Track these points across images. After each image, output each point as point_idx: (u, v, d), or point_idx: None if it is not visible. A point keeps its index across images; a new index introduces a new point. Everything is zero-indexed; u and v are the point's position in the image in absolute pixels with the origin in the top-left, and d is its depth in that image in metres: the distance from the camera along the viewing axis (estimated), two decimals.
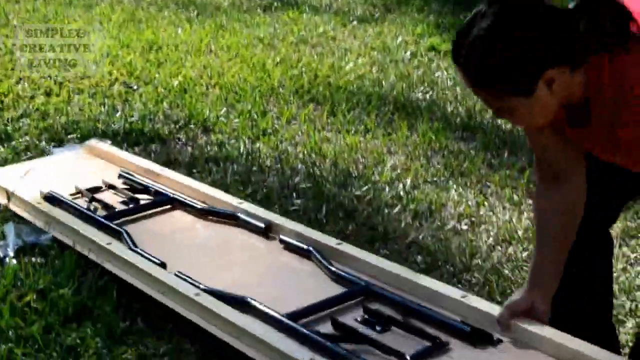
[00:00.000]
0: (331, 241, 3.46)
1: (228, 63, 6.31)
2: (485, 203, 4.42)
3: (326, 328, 2.93)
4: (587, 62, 2.27)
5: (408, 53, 6.82)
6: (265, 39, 6.98)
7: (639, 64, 2.26)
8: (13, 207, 4.02)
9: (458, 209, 4.35)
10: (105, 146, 4.59)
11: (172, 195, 3.99)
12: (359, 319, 2.99)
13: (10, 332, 3.13)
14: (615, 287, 3.57)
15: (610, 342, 2.99)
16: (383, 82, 6.10)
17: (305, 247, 3.45)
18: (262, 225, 3.63)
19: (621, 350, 3.09)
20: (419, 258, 3.87)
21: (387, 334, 2.91)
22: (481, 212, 4.32)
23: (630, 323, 3.41)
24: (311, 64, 6.41)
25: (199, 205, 3.89)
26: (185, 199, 3.95)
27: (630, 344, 3.18)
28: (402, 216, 4.25)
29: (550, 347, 2.75)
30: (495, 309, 2.90)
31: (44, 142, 4.83)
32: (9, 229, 3.82)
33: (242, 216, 3.72)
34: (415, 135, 5.22)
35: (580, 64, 2.27)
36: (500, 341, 2.82)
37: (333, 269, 3.28)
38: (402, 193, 4.47)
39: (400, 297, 3.07)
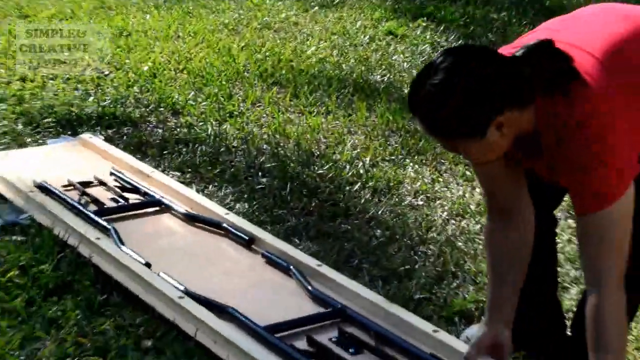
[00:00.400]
0: (311, 262, 3.44)
1: (195, 48, 6.31)
2: (440, 180, 4.50)
3: (301, 344, 2.95)
4: (534, 101, 2.33)
5: (367, 37, 6.82)
6: (230, 24, 6.96)
7: (575, 104, 2.32)
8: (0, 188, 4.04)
9: (414, 185, 4.43)
10: (98, 141, 4.57)
11: (160, 198, 3.96)
12: (333, 339, 2.99)
13: None
14: (562, 257, 3.66)
15: (555, 316, 3.10)
16: (343, 66, 6.12)
17: (285, 264, 3.44)
18: (245, 237, 3.62)
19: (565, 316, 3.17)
20: (378, 232, 3.94)
21: (359, 356, 2.92)
22: (436, 188, 4.39)
23: (574, 290, 3.50)
24: (274, 48, 6.41)
25: (186, 210, 3.88)
26: (173, 203, 3.92)
27: (574, 309, 3.20)
28: (362, 193, 4.31)
29: None
30: (463, 347, 2.85)
31: (20, 126, 4.83)
32: None
33: (227, 226, 3.71)
34: (374, 116, 5.27)
35: (527, 105, 2.32)
36: None
37: (311, 288, 3.27)
38: (361, 171, 4.53)
39: (375, 324, 3.05)
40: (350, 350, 2.94)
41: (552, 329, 3.06)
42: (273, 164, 4.55)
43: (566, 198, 3.03)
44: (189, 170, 4.44)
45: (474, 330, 3.14)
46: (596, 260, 2.44)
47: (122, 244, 3.52)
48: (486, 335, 2.67)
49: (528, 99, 2.33)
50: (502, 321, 2.66)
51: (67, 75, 5.64)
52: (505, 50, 2.48)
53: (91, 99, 5.28)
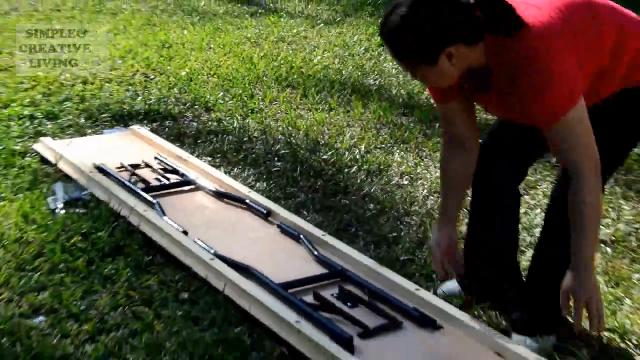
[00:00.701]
0: (317, 231, 3.42)
1: (223, 57, 6.30)
2: (421, 163, 4.47)
3: (309, 299, 2.95)
4: (481, 40, 2.39)
5: (362, 48, 6.81)
6: (252, 38, 6.96)
7: (519, 47, 2.37)
8: (66, 169, 4.02)
9: (400, 168, 4.40)
10: (145, 132, 4.56)
11: (195, 178, 3.95)
12: (334, 295, 2.99)
13: (61, 265, 3.19)
14: (520, 226, 3.65)
15: (514, 274, 3.09)
16: (343, 71, 6.11)
17: (296, 233, 3.43)
18: (264, 211, 3.61)
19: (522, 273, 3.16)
20: (371, 206, 3.92)
21: (355, 309, 2.91)
22: (418, 171, 4.37)
23: (529, 253, 3.47)
24: (288, 57, 6.40)
25: (216, 188, 3.86)
26: (205, 183, 3.91)
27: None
28: (358, 174, 4.29)
29: (477, 335, 2.76)
30: (440, 302, 2.91)
31: (82, 120, 4.83)
32: (58, 187, 3.85)
33: (249, 202, 3.69)
34: (368, 112, 5.24)
35: (475, 42, 2.38)
36: (441, 327, 2.82)
37: (316, 253, 3.27)
38: (358, 156, 4.51)
39: (368, 282, 3.05)
40: (349, 304, 2.94)
41: (511, 284, 3.05)
42: (286, 151, 4.53)
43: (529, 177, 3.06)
44: (218, 155, 4.43)
45: (448, 286, 3.15)
46: (570, 157, 2.46)
47: (164, 215, 3.52)
48: (443, 235, 2.81)
49: (476, 37, 2.39)
50: (452, 223, 2.83)
51: (120, 79, 5.61)
52: None
53: (139, 98, 5.28)
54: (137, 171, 4.05)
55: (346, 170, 4.33)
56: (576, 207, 2.47)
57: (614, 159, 2.75)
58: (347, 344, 2.64)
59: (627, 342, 2.93)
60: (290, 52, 6.58)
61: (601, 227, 3.78)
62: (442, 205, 2.88)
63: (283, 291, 2.95)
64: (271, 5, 8.31)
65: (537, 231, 3.71)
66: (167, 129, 4.82)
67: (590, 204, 2.45)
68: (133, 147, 4.40)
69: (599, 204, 2.48)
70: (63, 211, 3.62)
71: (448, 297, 3.10)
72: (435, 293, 3.09)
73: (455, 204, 2.84)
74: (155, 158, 4.21)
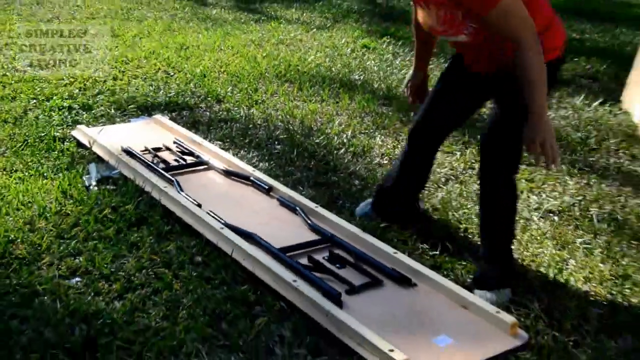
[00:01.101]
0: (310, 204, 3.40)
1: (232, 57, 6.23)
2: (399, 146, 4.40)
3: (304, 261, 2.94)
4: None
5: (349, 49, 6.74)
6: (256, 41, 6.89)
7: None
8: (98, 152, 3.97)
9: (381, 150, 4.35)
10: (166, 120, 4.50)
11: (208, 159, 3.91)
12: (325, 258, 2.98)
13: (94, 234, 3.16)
14: None
15: (412, 209, 3.39)
16: (332, 69, 6.05)
17: (293, 205, 3.41)
18: (266, 187, 3.58)
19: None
20: (356, 182, 3.88)
21: (343, 270, 2.91)
22: (396, 152, 4.30)
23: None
24: (286, 57, 6.33)
25: (225, 168, 3.82)
26: (216, 163, 3.87)
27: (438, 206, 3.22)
28: (345, 155, 4.24)
29: (446, 291, 2.77)
30: (415, 263, 2.92)
31: (112, 110, 4.78)
32: (92, 167, 3.81)
33: (253, 179, 3.66)
34: (354, 103, 5.18)
35: None
36: (416, 284, 2.83)
37: (310, 222, 3.25)
38: (345, 140, 4.45)
39: (354, 247, 3.06)
40: (337, 265, 2.94)
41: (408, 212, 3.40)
42: (285, 136, 4.48)
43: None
44: (227, 140, 4.39)
45: (363, 209, 3.47)
46: (511, 33, 2.49)
47: (182, 190, 3.49)
48: (418, 75, 3.00)
49: None
50: (424, 68, 3.03)
51: (145, 76, 5.56)
52: None
53: (161, 92, 5.23)
54: (159, 153, 4.01)
55: (335, 152, 4.27)
56: (523, 68, 2.48)
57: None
58: (337, 300, 2.65)
59: (571, 296, 2.92)
60: (288, 52, 6.52)
61: (549, 199, 3.77)
62: (416, 55, 3.08)
63: (282, 255, 2.94)
64: (272, 13, 8.22)
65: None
66: (184, 117, 4.77)
67: (532, 65, 2.47)
68: (155, 133, 4.35)
69: (541, 63, 2.49)
70: (96, 188, 3.57)
71: (363, 217, 3.37)
72: (405, 253, 3.07)
73: (425, 54, 3.00)
74: (174, 142, 4.16)
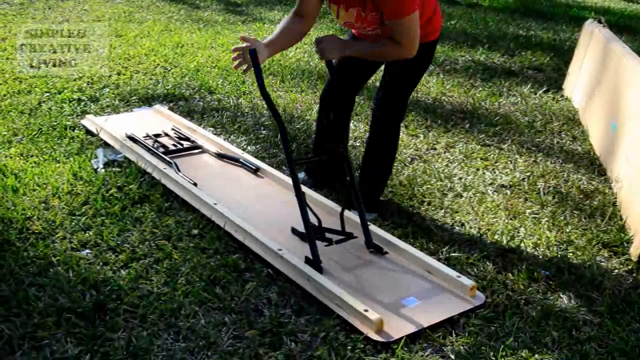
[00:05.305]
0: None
1: (222, 54, 6.13)
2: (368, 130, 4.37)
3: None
4: None
5: None
6: None
7: None
8: (105, 138, 3.90)
9: (354, 134, 4.28)
10: (165, 110, 4.43)
11: (202, 144, 3.86)
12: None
13: (102, 210, 3.09)
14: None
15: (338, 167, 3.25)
16: (310, 63, 5.99)
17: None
18: (253, 167, 3.55)
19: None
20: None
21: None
22: (366, 136, 4.24)
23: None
24: None
25: (217, 151, 3.77)
26: (209, 147, 3.82)
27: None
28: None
29: (412, 258, 2.76)
30: (386, 234, 2.90)
31: (117, 102, 4.70)
32: (99, 151, 3.73)
33: (242, 161, 3.61)
34: None
35: None
36: (387, 252, 2.82)
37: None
38: None
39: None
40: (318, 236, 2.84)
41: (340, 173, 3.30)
42: (269, 122, 4.41)
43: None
44: (219, 126, 4.32)
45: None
46: (400, 41, 2.68)
47: (179, 171, 3.44)
48: (261, 51, 2.66)
49: None
50: (271, 51, 2.72)
51: (145, 71, 5.46)
52: None
53: (160, 85, 5.13)
54: (159, 139, 3.93)
55: (313, 136, 4.18)
56: (383, 46, 2.72)
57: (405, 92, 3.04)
58: (317, 267, 2.62)
59: (522, 260, 2.91)
60: None
61: (502, 175, 3.75)
62: (272, 41, 2.76)
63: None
64: (257, 15, 8.11)
65: (456, 180, 3.67)
66: (180, 107, 4.69)
67: (386, 50, 2.72)
68: (155, 121, 4.27)
69: (385, 53, 2.75)
70: (103, 170, 3.50)
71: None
72: (377, 224, 3.03)
73: (279, 45, 2.82)
74: (172, 129, 4.10)
